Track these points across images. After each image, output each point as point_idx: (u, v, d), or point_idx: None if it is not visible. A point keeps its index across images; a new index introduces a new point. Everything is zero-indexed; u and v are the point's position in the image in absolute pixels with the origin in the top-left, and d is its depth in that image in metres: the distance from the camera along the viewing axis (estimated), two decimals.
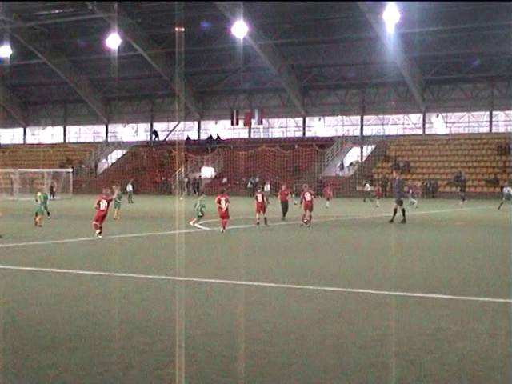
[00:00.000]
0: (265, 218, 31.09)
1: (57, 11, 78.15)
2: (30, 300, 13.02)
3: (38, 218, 29.87)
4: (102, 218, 25.24)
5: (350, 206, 53.63)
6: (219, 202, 28.13)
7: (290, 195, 33.75)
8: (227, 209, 27.96)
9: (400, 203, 33.37)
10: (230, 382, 8.14)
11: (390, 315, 11.65)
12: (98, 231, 24.96)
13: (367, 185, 67.84)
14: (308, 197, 31.80)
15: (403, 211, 33.22)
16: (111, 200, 26.63)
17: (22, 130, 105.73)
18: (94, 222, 25.25)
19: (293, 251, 21.85)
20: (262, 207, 31.36)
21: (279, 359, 9.03)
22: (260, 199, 31.56)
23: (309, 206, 31.64)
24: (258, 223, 30.85)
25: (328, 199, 49.35)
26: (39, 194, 31.17)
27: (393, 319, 11.25)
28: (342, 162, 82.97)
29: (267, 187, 61.17)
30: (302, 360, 9.01)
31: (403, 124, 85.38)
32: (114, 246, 22.94)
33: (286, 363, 8.85)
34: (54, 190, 68.96)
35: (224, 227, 27.57)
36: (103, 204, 25.30)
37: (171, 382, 7.99)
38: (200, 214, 30.72)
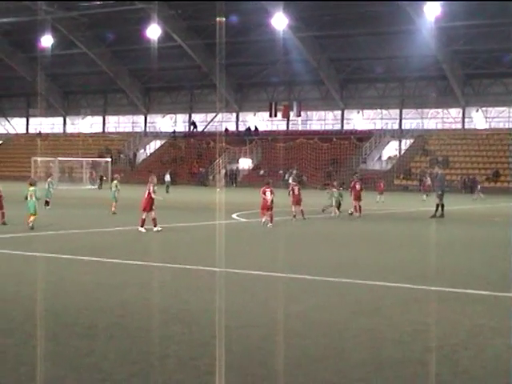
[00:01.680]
0: (301, 211, 31.02)
1: (98, 1, 78.58)
2: (68, 288, 13.15)
3: (113, 207, 31.87)
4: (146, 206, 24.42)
5: (403, 200, 53.06)
6: (264, 193, 27.51)
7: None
8: (272, 201, 27.45)
9: (440, 198, 33.16)
10: (266, 373, 8.17)
11: (426, 310, 11.61)
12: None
13: (428, 178, 66.94)
14: (358, 187, 33.50)
15: (442, 206, 33.01)
16: (154, 187, 25.55)
17: (62, 119, 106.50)
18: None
19: (330, 244, 21.83)
20: (298, 200, 31.31)
21: (315, 352, 9.04)
22: (296, 192, 31.57)
23: (358, 197, 33.11)
24: (295, 216, 30.78)
25: (381, 193, 49.05)
26: (115, 181, 33.45)
27: (429, 314, 11.21)
28: (364, 155, 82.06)
29: (293, 178, 60.02)
30: (338, 354, 9.01)
31: (442, 118, 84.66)
32: (152, 235, 23.08)
33: (321, 356, 8.85)
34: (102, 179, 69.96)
35: (271, 220, 26.85)
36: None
37: (208, 373, 8.03)
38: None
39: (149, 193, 24.75)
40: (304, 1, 72.84)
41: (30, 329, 9.79)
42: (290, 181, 52.61)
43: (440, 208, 33.02)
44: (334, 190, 34.25)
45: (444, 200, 33.25)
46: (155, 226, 24.05)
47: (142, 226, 23.99)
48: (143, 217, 24.19)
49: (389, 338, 9.76)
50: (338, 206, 34.05)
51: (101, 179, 68.71)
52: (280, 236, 23.61)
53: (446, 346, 9.40)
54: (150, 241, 21.59)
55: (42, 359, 8.35)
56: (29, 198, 24.15)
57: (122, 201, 33.56)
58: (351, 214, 33.68)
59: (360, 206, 33.77)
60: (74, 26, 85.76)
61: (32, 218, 23.70)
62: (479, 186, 58.84)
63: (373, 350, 9.16)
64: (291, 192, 31.74)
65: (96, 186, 70.78)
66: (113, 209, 31.94)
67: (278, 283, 13.87)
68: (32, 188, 24.45)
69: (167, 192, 57.81)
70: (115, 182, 33.84)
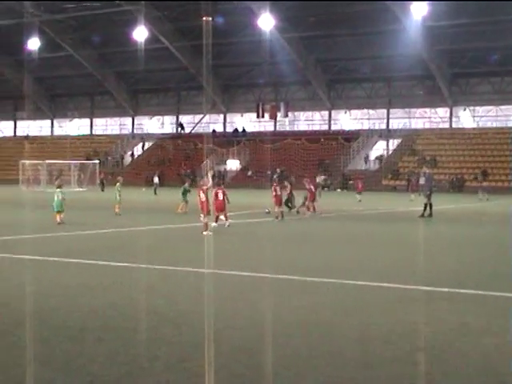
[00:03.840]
0: (281, 212, 31.01)
1: (84, 4, 78.32)
2: (57, 290, 13.13)
3: (117, 208, 32.88)
4: (206, 209, 24.26)
5: (391, 199, 53.03)
6: (216, 195, 26.67)
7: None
8: (224, 202, 26.83)
9: (429, 197, 33.25)
10: (255, 374, 8.18)
11: (415, 310, 11.64)
12: (213, 224, 24.11)
13: (423, 178, 66.58)
14: (311, 188, 33.87)
15: (430, 206, 33.09)
16: (208, 189, 25.35)
17: (49, 121, 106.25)
18: (202, 218, 24.18)
19: (317, 244, 21.85)
20: (279, 200, 31.35)
21: (303, 352, 9.05)
22: (279, 192, 31.63)
23: (312, 197, 33.51)
24: (277, 217, 30.76)
25: (360, 193, 49.21)
26: (118, 184, 34.13)
27: (418, 314, 11.23)
28: (367, 155, 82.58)
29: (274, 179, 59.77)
30: (327, 353, 9.02)
31: (430, 118, 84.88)
32: (140, 237, 23.06)
33: (310, 356, 8.87)
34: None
35: (216, 221, 26.17)
36: (202, 195, 24.64)
37: (197, 374, 8.04)
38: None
39: (206, 195, 24.58)
40: (292, 0, 72.81)
41: (20, 332, 9.77)
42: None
43: (428, 207, 33.10)
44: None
45: (432, 199, 33.34)
46: (214, 224, 24.52)
47: (206, 230, 23.70)
48: (205, 220, 24.06)
49: (378, 338, 9.78)
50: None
51: (102, 182, 68.31)
52: (266, 237, 23.62)
53: (434, 346, 9.42)
54: (138, 242, 21.57)
55: (32, 362, 8.33)
56: (55, 198, 27.96)
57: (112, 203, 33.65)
58: (297, 212, 34.44)
59: (314, 206, 34.28)
60: (61, 28, 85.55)
61: (61, 215, 27.55)
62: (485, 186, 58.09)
63: (362, 350, 9.19)
64: (273, 192, 31.70)
65: (84, 189, 70.63)
66: (116, 210, 32.75)
67: (267, 284, 13.88)
68: (58, 190, 28.49)
69: (155, 194, 57.80)
70: (118, 184, 34.23)
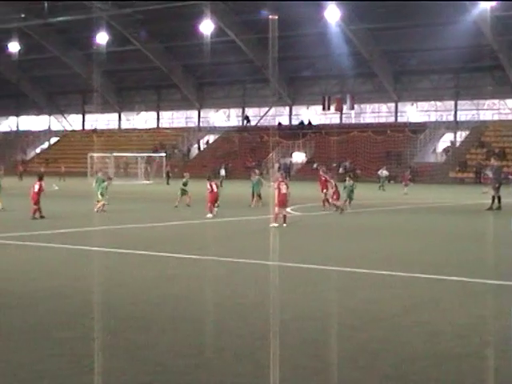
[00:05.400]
0: (335, 205, 30.66)
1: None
2: (124, 281, 13.28)
3: (177, 202, 33.66)
4: (282, 202, 24.23)
5: (459, 192, 52.46)
6: (279, 187, 24.84)
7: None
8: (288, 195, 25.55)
9: (497, 190, 32.77)
10: (321, 366, 8.15)
11: (483, 304, 11.48)
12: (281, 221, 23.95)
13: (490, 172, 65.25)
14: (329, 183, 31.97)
15: (499, 198, 32.62)
16: (282, 182, 24.99)
17: (117, 115, 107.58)
18: (276, 210, 24.10)
19: (381, 237, 21.69)
20: (337, 194, 30.97)
21: (370, 346, 8.99)
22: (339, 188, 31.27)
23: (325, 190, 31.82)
24: (342, 210, 30.44)
25: (406, 185, 49.18)
26: (184, 180, 35.28)
27: (487, 308, 11.08)
28: (434, 147, 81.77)
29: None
30: (394, 347, 8.95)
31: (499, 109, 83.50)
32: (207, 229, 23.20)
33: (377, 350, 8.81)
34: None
35: (285, 219, 24.37)
36: (284, 187, 24.55)
37: (264, 366, 8.04)
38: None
39: (281, 189, 24.42)
40: (355, 1, 72.56)
41: (87, 322, 9.92)
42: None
43: (497, 200, 32.62)
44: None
45: (501, 192, 32.87)
46: (285, 222, 23.89)
47: (275, 222, 23.66)
48: (276, 211, 24.05)
49: (445, 332, 9.67)
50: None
51: (168, 175, 68.81)
52: (331, 229, 23.54)
53: (505, 340, 9.27)
54: (204, 235, 21.70)
55: (101, 351, 8.45)
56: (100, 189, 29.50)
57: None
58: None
59: (327, 200, 32.00)
60: (129, 22, 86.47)
61: (97, 203, 29.06)
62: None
63: (429, 344, 9.09)
64: (334, 186, 31.28)
65: (151, 181, 71.37)
66: (177, 203, 33.50)
67: (332, 276, 13.84)
68: (102, 181, 30.06)
69: (221, 186, 57.96)
70: (184, 179, 35.29)
